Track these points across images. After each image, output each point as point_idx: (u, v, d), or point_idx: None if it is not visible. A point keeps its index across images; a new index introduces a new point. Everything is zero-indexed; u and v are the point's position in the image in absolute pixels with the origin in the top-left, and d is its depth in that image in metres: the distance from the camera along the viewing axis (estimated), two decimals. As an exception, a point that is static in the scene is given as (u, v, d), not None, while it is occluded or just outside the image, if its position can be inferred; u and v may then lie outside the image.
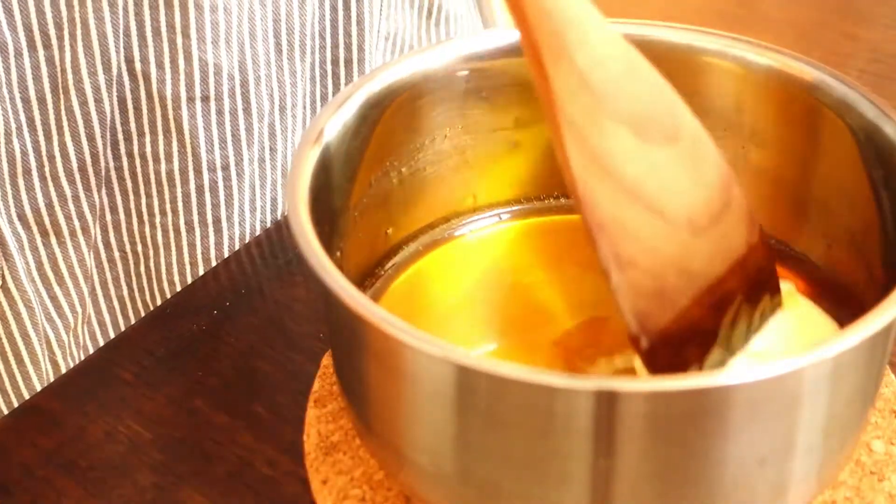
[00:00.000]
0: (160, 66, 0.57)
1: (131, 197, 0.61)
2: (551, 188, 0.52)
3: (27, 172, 0.58)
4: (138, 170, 0.60)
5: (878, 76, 0.74)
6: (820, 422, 0.36)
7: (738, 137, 0.49)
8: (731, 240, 0.41)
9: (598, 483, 0.35)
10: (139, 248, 0.63)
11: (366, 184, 0.46)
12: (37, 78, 0.55)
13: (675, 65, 0.48)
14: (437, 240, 0.51)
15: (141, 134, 0.59)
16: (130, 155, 0.60)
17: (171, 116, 0.58)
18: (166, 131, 0.59)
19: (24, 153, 0.57)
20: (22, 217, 0.59)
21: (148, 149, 0.60)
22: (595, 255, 0.38)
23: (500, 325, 0.47)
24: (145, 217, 0.62)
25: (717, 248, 0.41)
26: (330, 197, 0.43)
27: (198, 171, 0.61)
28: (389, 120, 0.46)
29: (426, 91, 0.47)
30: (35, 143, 0.57)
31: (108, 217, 0.62)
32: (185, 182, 0.61)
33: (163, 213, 0.62)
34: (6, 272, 0.58)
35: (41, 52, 0.55)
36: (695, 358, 0.40)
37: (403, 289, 0.49)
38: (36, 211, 0.59)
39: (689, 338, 0.40)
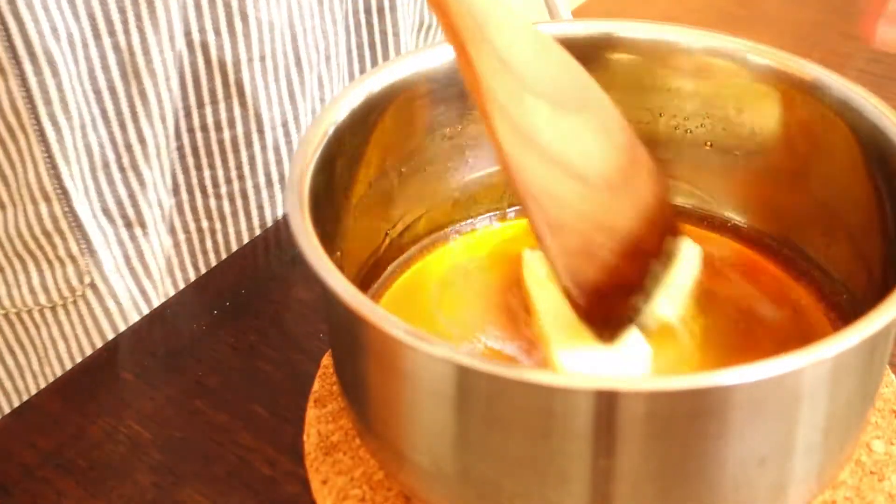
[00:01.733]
0: (218, 32, 0.58)
1: (193, 173, 0.61)
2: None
3: (106, 165, 0.58)
4: (199, 143, 0.61)
5: (878, 76, 0.74)
6: (820, 422, 0.36)
7: (738, 137, 0.49)
8: (642, 194, 0.44)
9: (598, 483, 0.35)
10: (204, 224, 0.63)
11: (366, 184, 0.46)
12: (105, 68, 0.55)
13: (675, 64, 0.49)
14: (437, 240, 0.51)
15: (201, 105, 0.59)
16: (191, 130, 0.60)
17: (231, 81, 0.59)
18: (227, 97, 0.60)
19: (102, 146, 0.57)
20: (106, 211, 0.59)
21: (210, 119, 0.60)
22: (529, 223, 0.41)
23: (501, 325, 0.47)
24: (210, 190, 0.62)
25: (631, 203, 0.44)
26: (330, 197, 0.43)
27: (260, 132, 0.61)
28: (389, 120, 0.46)
29: (426, 91, 0.47)
30: (110, 134, 0.57)
31: (172, 200, 0.62)
32: (248, 145, 0.61)
33: (228, 181, 0.62)
34: (93, 269, 0.58)
35: (107, 41, 0.55)
36: (625, 309, 0.43)
37: (403, 289, 0.49)
38: (119, 203, 0.59)
39: (617, 290, 0.43)
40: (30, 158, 0.54)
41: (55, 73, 0.53)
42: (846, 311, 0.46)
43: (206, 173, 0.61)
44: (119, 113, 0.57)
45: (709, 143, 0.50)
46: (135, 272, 0.61)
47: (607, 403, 0.33)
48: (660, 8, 0.88)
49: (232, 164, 0.62)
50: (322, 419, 0.47)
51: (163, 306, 0.56)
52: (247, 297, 0.55)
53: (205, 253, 0.64)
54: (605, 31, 0.49)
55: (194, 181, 0.62)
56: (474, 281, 0.49)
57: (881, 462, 0.44)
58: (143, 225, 0.60)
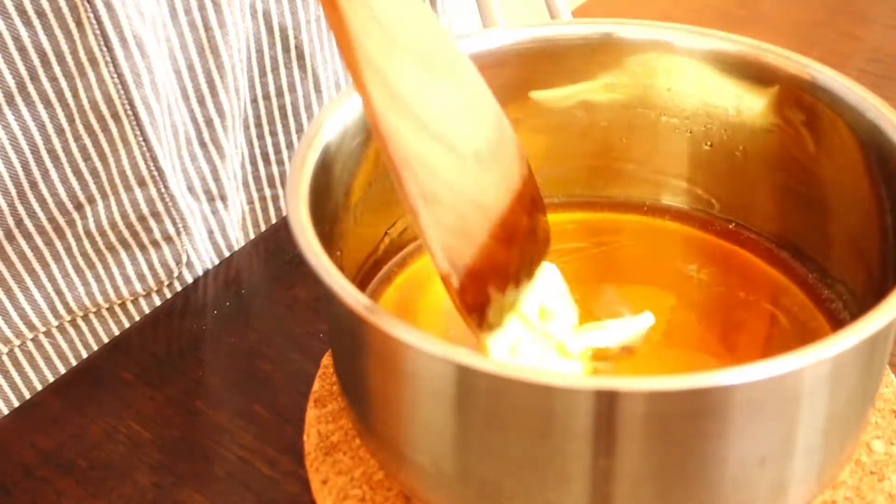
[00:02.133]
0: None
1: (256, 143, 0.62)
2: (550, 187, 0.52)
3: (189, 143, 0.58)
4: (262, 111, 0.61)
5: (878, 76, 0.74)
6: (820, 422, 0.36)
7: (738, 137, 0.49)
8: (511, 174, 0.43)
9: (598, 483, 0.35)
10: (268, 192, 0.64)
11: (366, 184, 0.46)
12: (183, 46, 0.56)
13: (675, 65, 0.49)
14: (437, 240, 0.51)
15: (263, 74, 0.60)
16: (255, 100, 0.61)
17: (292, 45, 0.60)
18: (287, 63, 0.61)
19: (184, 124, 0.58)
20: (191, 188, 0.59)
21: (272, 87, 0.61)
22: (402, 195, 0.39)
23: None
24: (272, 158, 0.63)
25: (501, 181, 0.42)
26: (330, 197, 0.43)
27: (318, 92, 0.62)
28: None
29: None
30: (191, 111, 0.58)
31: (240, 172, 0.63)
32: (307, 107, 0.62)
33: (289, 145, 0.63)
34: (189, 248, 0.58)
35: (183, 20, 0.55)
36: (497, 292, 0.42)
37: (403, 289, 0.49)
38: (202, 179, 0.59)
39: (490, 273, 0.41)
40: (123, 146, 0.54)
41: (145, 56, 0.53)
42: (846, 312, 0.46)
43: (269, 141, 0.63)
44: (198, 89, 0.58)
45: (709, 143, 0.50)
46: (217, 247, 0.62)
47: (607, 403, 0.33)
48: (659, 8, 0.88)
49: (293, 127, 0.63)
50: (322, 419, 0.47)
51: (162, 307, 0.56)
52: (247, 297, 0.55)
53: (268, 221, 0.65)
54: (605, 31, 0.49)
55: (257, 151, 0.63)
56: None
57: (881, 462, 0.44)
58: (224, 198, 0.61)
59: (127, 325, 0.59)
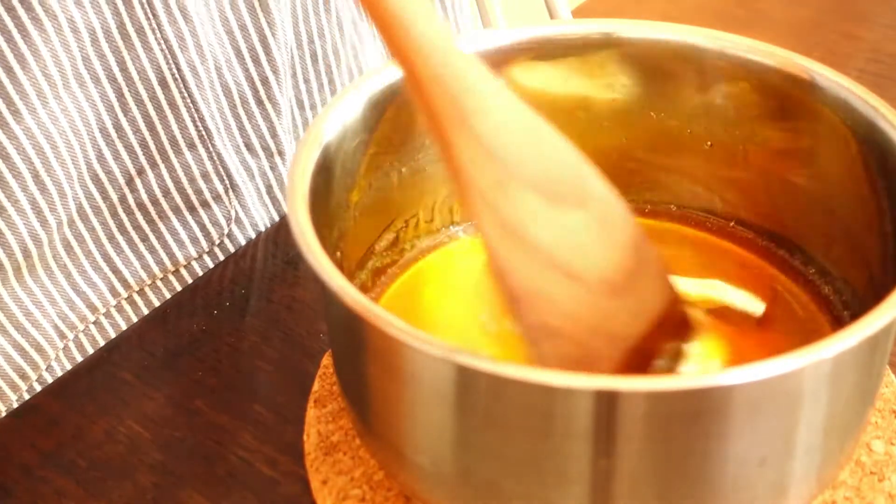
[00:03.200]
0: None
1: (291, 92, 0.63)
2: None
3: (245, 102, 0.59)
4: (296, 60, 0.62)
5: (877, 76, 0.74)
6: (820, 422, 0.36)
7: (738, 137, 0.49)
8: (648, 297, 0.41)
9: (598, 483, 0.35)
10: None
11: (366, 184, 0.46)
12: (234, 7, 0.57)
13: (675, 65, 0.49)
14: (437, 240, 0.51)
15: (311, 41, 0.62)
16: (302, 59, 0.62)
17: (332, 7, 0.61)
18: (339, 27, 0.62)
19: (238, 83, 0.59)
20: (249, 146, 0.60)
21: (304, 36, 0.62)
22: (519, 328, 0.38)
23: (500, 325, 0.47)
24: (306, 103, 0.64)
25: (635, 307, 0.41)
26: (330, 197, 0.43)
27: (342, 36, 0.63)
28: (389, 120, 0.46)
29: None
30: (245, 71, 0.59)
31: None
32: (336, 53, 0.64)
33: (321, 88, 0.64)
34: (237, 206, 0.60)
35: None
36: None
37: (403, 289, 0.49)
38: (260, 136, 0.60)
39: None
40: (171, 111, 0.56)
41: (188, 19, 0.54)
42: (846, 312, 0.46)
43: (303, 88, 0.63)
44: (252, 49, 0.58)
45: (709, 143, 0.50)
46: (276, 200, 0.63)
47: (607, 403, 0.33)
48: (659, 8, 0.88)
49: (322, 71, 0.64)
50: (322, 419, 0.47)
51: (162, 306, 0.56)
52: (247, 297, 0.55)
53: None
54: (605, 31, 0.49)
55: (293, 100, 0.63)
56: (474, 280, 0.49)
57: (881, 462, 0.44)
58: (282, 154, 0.62)
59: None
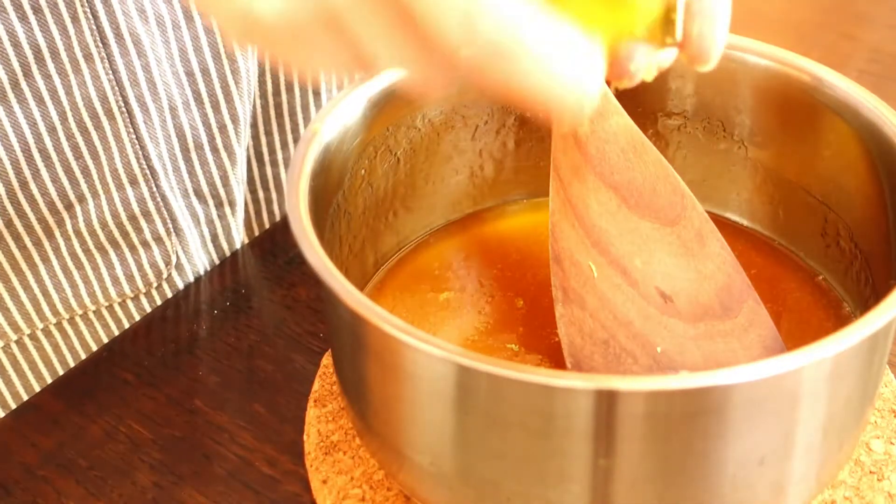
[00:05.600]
0: None
1: (250, 143, 0.62)
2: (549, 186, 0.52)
3: (199, 147, 0.57)
4: (259, 111, 0.61)
5: (877, 76, 0.74)
6: (819, 421, 0.36)
7: (738, 137, 0.49)
8: (730, 348, 0.43)
9: (598, 482, 0.35)
10: (260, 195, 0.64)
11: (366, 184, 0.47)
12: (197, 49, 0.55)
13: (675, 65, 0.49)
14: (438, 239, 0.51)
15: (262, 73, 0.60)
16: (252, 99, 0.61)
17: None
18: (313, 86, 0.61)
19: (194, 127, 0.57)
20: (198, 192, 0.59)
21: (269, 86, 0.61)
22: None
23: (500, 325, 0.47)
24: (266, 158, 0.63)
25: (704, 346, 0.42)
26: (330, 197, 0.43)
27: (316, 94, 0.62)
28: (389, 120, 0.46)
29: (426, 91, 0.47)
30: (203, 115, 0.57)
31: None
32: (305, 108, 0.62)
33: (284, 146, 0.63)
34: (179, 249, 0.58)
35: (199, 22, 0.55)
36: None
37: (403, 289, 0.49)
38: (211, 184, 0.59)
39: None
40: (116, 144, 0.54)
41: (142, 55, 0.53)
42: (846, 311, 0.46)
43: (264, 140, 0.62)
44: (212, 94, 0.57)
45: (709, 144, 0.50)
46: (220, 248, 0.61)
47: (607, 403, 0.34)
48: (659, 8, 0.87)
49: (288, 127, 0.62)
50: (322, 419, 0.47)
51: (163, 306, 0.56)
52: (247, 297, 0.55)
53: (261, 224, 0.65)
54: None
55: (251, 151, 0.62)
56: (474, 280, 0.49)
57: (880, 461, 0.44)
58: (232, 204, 0.60)
59: (114, 328, 0.58)
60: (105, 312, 0.58)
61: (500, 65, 0.30)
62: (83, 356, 0.58)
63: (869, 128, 0.43)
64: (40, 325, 0.56)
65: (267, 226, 0.65)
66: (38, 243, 0.54)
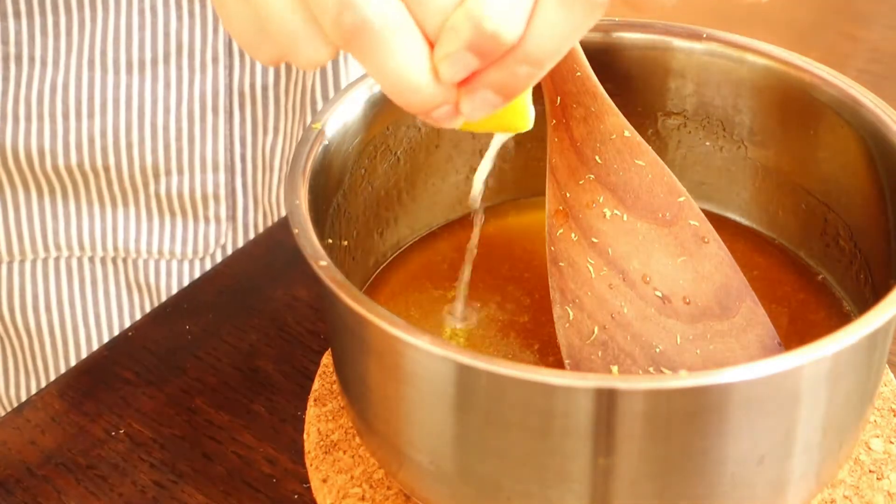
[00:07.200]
0: None
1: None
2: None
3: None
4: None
5: (877, 76, 0.74)
6: (819, 420, 0.36)
7: (738, 137, 0.49)
8: (728, 348, 0.43)
9: (598, 481, 0.35)
10: (261, 195, 0.67)
11: (366, 184, 0.47)
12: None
13: (675, 64, 0.49)
14: (437, 239, 0.51)
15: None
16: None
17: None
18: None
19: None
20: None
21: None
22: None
23: (500, 324, 0.47)
24: (266, 157, 0.66)
25: (703, 346, 0.42)
26: (330, 197, 0.43)
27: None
28: (389, 119, 0.46)
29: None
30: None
31: None
32: (303, 107, 0.67)
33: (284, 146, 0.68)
34: (230, 234, 0.64)
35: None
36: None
37: (403, 288, 0.49)
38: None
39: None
40: (212, 135, 0.61)
41: (254, 73, 0.61)
42: (846, 310, 0.46)
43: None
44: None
45: (709, 143, 0.50)
46: (223, 247, 0.66)
47: (606, 402, 0.34)
48: (659, 8, 0.87)
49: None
50: (322, 418, 0.47)
51: (163, 306, 0.56)
52: (247, 296, 0.55)
53: (261, 224, 0.69)
54: (606, 32, 0.49)
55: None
56: (474, 278, 0.49)
57: (880, 461, 0.44)
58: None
59: (154, 281, 0.64)
60: (160, 264, 0.64)
61: (359, 46, 0.32)
62: (84, 355, 0.58)
63: (869, 128, 0.43)
64: (100, 253, 0.63)
65: (267, 225, 0.65)
66: (123, 192, 0.62)
